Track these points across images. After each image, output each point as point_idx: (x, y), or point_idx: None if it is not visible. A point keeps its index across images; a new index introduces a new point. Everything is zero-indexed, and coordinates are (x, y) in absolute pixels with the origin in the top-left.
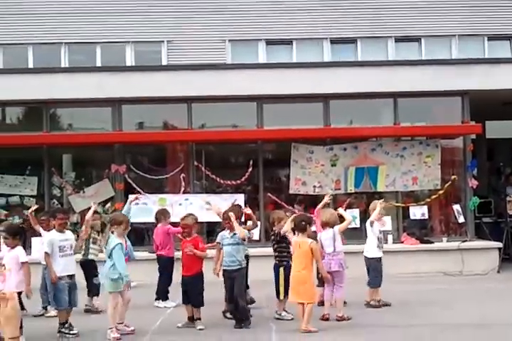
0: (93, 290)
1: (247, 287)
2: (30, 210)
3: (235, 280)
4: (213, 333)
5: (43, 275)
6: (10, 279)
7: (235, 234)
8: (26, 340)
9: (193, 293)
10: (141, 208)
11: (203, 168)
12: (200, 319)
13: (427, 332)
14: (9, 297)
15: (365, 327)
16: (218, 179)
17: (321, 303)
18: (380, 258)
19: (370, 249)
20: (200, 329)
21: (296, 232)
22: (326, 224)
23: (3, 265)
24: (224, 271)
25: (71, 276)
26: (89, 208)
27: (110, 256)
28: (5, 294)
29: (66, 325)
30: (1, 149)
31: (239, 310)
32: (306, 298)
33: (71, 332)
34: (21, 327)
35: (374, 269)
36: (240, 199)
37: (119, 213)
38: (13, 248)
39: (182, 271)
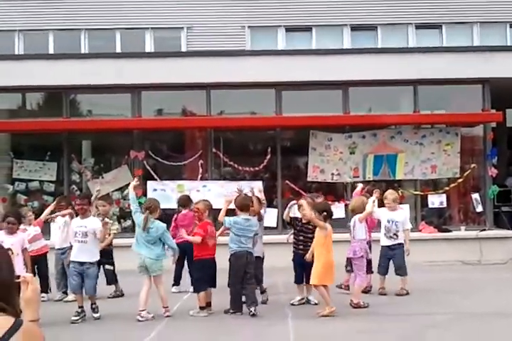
0: (109, 278)
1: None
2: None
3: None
4: (227, 319)
5: (60, 260)
6: (18, 263)
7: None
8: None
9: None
10: (160, 194)
11: (221, 155)
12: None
13: (443, 321)
14: (29, 280)
15: (380, 315)
16: (236, 166)
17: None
18: (386, 247)
19: (381, 237)
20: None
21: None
22: (351, 211)
23: (10, 249)
24: (232, 254)
25: (82, 263)
26: (108, 194)
27: (156, 241)
28: (25, 277)
29: (79, 310)
30: (22, 135)
31: (250, 296)
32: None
33: (74, 317)
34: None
35: (380, 257)
36: (257, 186)
37: (153, 199)
38: (15, 233)
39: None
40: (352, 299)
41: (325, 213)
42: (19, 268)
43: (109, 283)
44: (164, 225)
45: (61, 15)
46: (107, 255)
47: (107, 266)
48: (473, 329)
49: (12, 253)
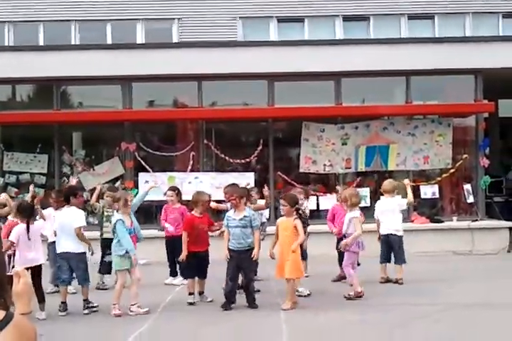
0: (102, 268)
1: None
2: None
3: (245, 260)
4: (220, 311)
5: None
6: (40, 252)
7: (245, 216)
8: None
9: (205, 268)
10: None
11: (212, 147)
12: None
13: (434, 311)
14: (21, 273)
15: (371, 306)
16: (228, 157)
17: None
18: (384, 235)
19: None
20: (210, 301)
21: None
22: (351, 205)
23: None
24: (231, 250)
25: (70, 254)
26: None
27: (114, 233)
28: (17, 271)
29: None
30: (12, 127)
31: (249, 291)
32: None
33: (60, 313)
34: (43, 300)
35: (380, 245)
36: (249, 177)
37: (122, 191)
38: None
39: (195, 247)
40: (353, 291)
41: (296, 205)
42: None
43: (101, 272)
44: (118, 217)
45: (51, 7)
46: (108, 246)
47: (107, 257)
48: (464, 319)
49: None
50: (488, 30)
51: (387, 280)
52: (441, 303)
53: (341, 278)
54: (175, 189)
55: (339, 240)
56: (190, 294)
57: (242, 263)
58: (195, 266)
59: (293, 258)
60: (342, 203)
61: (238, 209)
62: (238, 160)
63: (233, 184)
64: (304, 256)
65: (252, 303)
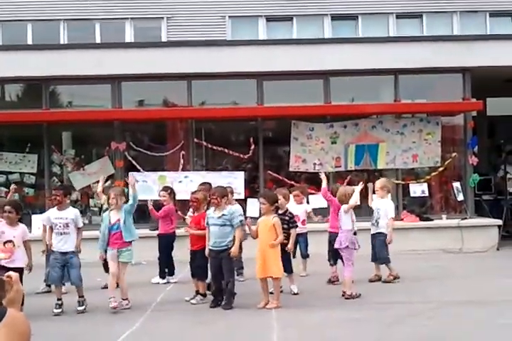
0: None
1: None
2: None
3: (223, 260)
4: (211, 310)
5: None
6: (19, 255)
7: (223, 214)
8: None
9: (198, 267)
10: (142, 186)
11: (202, 146)
12: (200, 293)
13: (424, 309)
14: (14, 280)
15: (363, 304)
16: (218, 156)
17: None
18: (372, 235)
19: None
20: (192, 304)
21: None
22: (339, 202)
23: (12, 241)
24: (210, 250)
25: (65, 253)
26: (89, 186)
27: None
28: (10, 277)
29: (59, 303)
30: (1, 127)
31: (226, 291)
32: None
33: (55, 310)
34: (22, 304)
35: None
36: (240, 176)
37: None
38: (16, 224)
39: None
40: (345, 290)
41: (276, 204)
42: (20, 259)
43: (107, 271)
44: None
45: (39, 6)
46: None
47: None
48: (456, 316)
49: (14, 245)
50: (476, 29)
51: (379, 279)
52: (432, 301)
53: (337, 278)
54: (167, 189)
55: (333, 237)
56: (204, 295)
57: (222, 262)
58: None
59: (274, 257)
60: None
61: (218, 208)
62: (228, 159)
63: (205, 183)
64: (303, 255)
65: (227, 304)
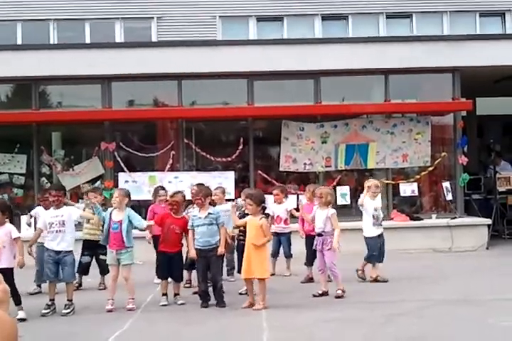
0: (100, 268)
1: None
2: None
3: (211, 260)
4: (201, 310)
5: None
6: (4, 256)
7: (209, 213)
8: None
9: (177, 269)
10: (132, 186)
11: (193, 146)
12: (179, 294)
13: (414, 308)
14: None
15: (352, 303)
16: (208, 156)
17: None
18: (377, 236)
19: (366, 228)
20: (181, 304)
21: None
22: (325, 204)
23: None
24: (198, 250)
25: (58, 252)
26: (79, 186)
27: None
28: None
29: (49, 303)
30: None
31: (217, 290)
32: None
33: (44, 310)
34: (20, 303)
35: (370, 248)
36: (230, 176)
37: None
38: (2, 224)
39: (164, 247)
40: (339, 288)
41: (263, 204)
42: (3, 261)
43: (103, 273)
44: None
45: (29, 6)
46: (101, 245)
47: (102, 257)
48: (446, 315)
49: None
50: (466, 29)
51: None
52: (422, 300)
53: (309, 279)
54: (164, 188)
55: (309, 238)
56: (163, 295)
57: (209, 262)
58: (167, 267)
59: (260, 258)
60: (315, 199)
61: (203, 208)
62: (219, 159)
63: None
64: (286, 255)
65: (220, 302)
